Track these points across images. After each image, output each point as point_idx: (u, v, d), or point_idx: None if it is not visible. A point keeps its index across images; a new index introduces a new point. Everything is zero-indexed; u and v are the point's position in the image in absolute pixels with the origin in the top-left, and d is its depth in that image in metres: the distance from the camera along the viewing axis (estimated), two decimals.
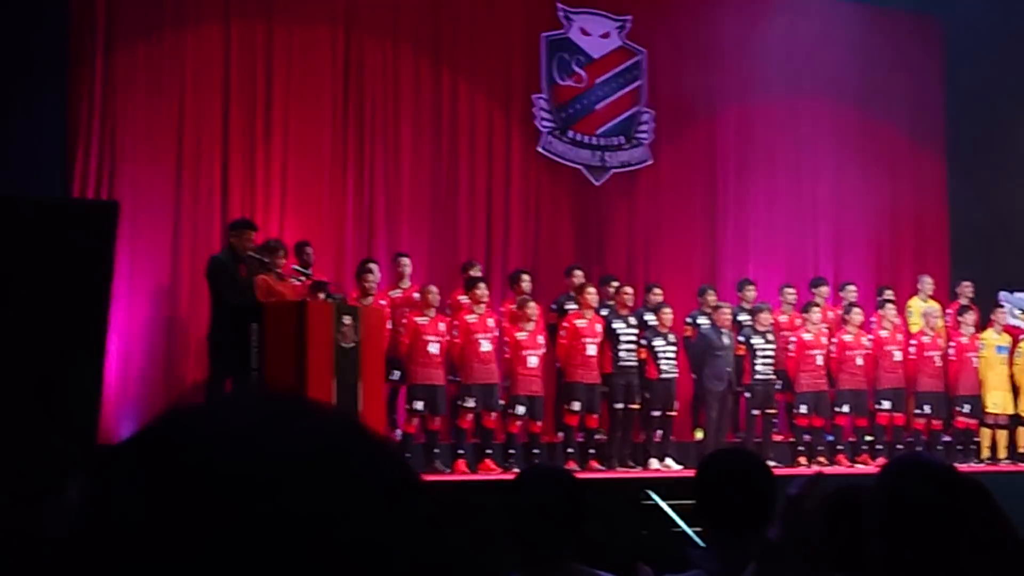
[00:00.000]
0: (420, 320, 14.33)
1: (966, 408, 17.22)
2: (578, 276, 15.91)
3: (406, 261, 15.15)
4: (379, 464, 1.11)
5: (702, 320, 16.38)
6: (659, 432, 15.73)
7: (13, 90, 13.45)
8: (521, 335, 14.86)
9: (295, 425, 1.10)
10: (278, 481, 1.05)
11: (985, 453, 17.26)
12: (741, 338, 16.29)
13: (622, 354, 15.39)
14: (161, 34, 14.80)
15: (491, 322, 14.82)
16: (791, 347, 16.60)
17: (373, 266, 14.46)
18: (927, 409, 17.05)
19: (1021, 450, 17.41)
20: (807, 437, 16.68)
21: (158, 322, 14.55)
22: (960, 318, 17.56)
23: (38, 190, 13.24)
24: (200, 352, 13.73)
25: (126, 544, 1.04)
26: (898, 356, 16.97)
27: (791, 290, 17.48)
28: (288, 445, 1.08)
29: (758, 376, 16.21)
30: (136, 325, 14.38)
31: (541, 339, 15.02)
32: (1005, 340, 17.54)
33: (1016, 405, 17.44)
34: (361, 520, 1.07)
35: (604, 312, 15.53)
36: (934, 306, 17.83)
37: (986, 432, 17.40)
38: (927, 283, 18.20)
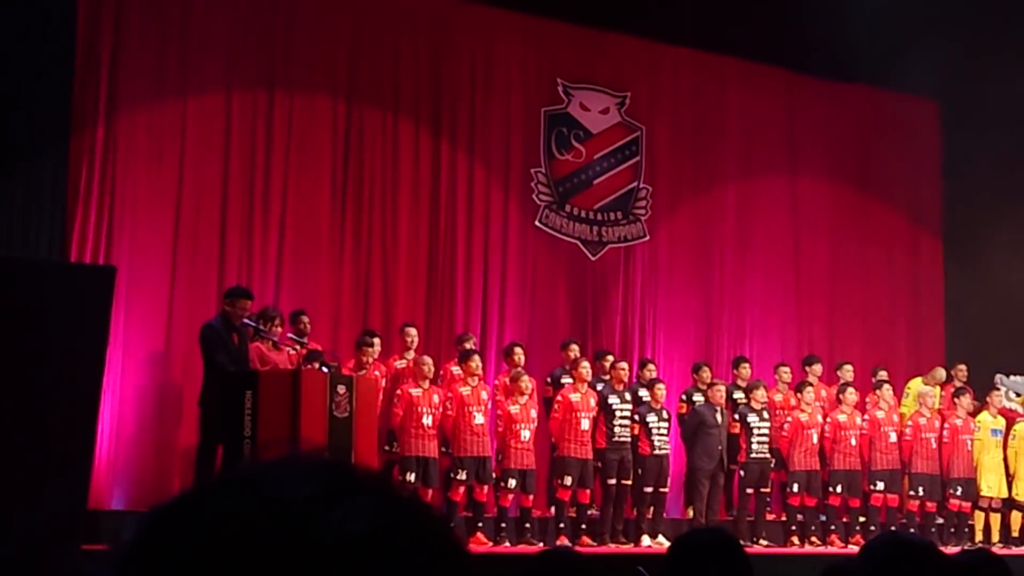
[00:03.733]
0: (414, 391, 14.31)
1: (959, 490, 17.17)
2: (573, 350, 15.93)
3: (413, 332, 15.17)
4: (432, 543, 1.10)
5: (697, 397, 16.39)
6: (651, 509, 15.67)
7: (15, 153, 13.50)
8: (514, 408, 14.82)
9: (350, 500, 1.09)
10: (329, 558, 1.04)
11: (978, 536, 17.20)
12: (736, 416, 16.29)
13: (617, 429, 15.36)
14: (163, 101, 14.85)
15: (485, 395, 14.79)
16: (786, 426, 16.60)
17: (375, 340, 14.48)
18: (921, 491, 17.01)
19: (1015, 534, 17.35)
20: (800, 517, 16.64)
21: (152, 387, 14.50)
22: (955, 400, 17.56)
23: (36, 253, 13.25)
24: (193, 418, 13.68)
25: None
26: (893, 437, 16.95)
27: (786, 368, 17.51)
28: (342, 521, 1.06)
29: (753, 455, 16.19)
30: (130, 390, 14.33)
31: (534, 413, 14.98)
32: (1000, 423, 17.53)
33: (1010, 489, 17.41)
34: None
35: (599, 387, 15.51)
36: (930, 387, 17.83)
37: (979, 515, 17.36)
38: (940, 374, 18.21)
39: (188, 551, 1.05)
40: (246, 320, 13.10)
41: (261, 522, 1.05)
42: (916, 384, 18.13)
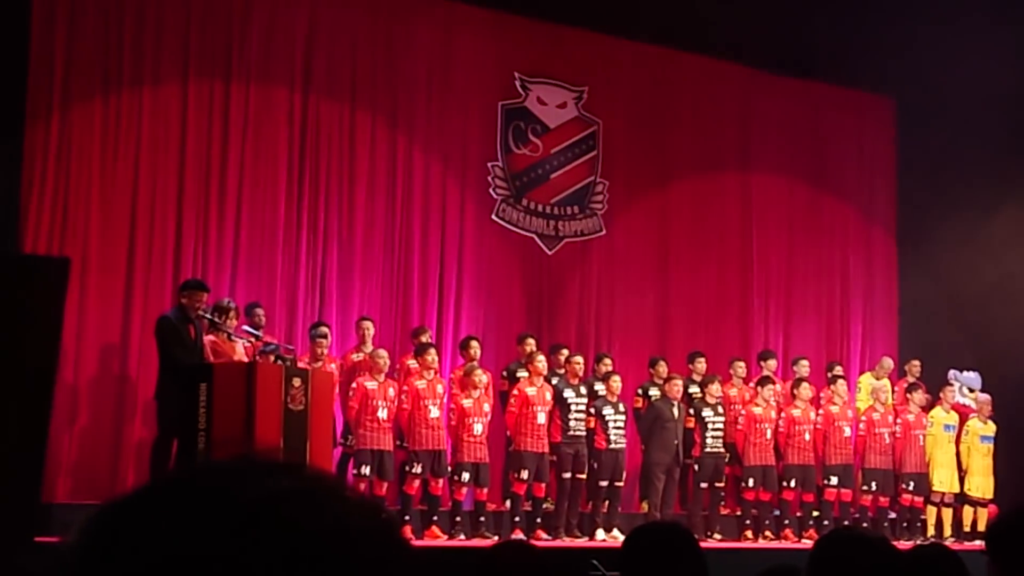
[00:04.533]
0: (369, 385, 14.29)
1: (912, 485, 17.27)
2: (530, 344, 15.93)
3: (369, 325, 15.15)
4: (382, 541, 1.12)
5: (653, 391, 16.40)
6: (606, 503, 15.70)
7: None
8: (467, 402, 14.81)
9: (303, 499, 1.12)
10: (283, 556, 1.06)
11: (931, 531, 17.31)
12: (691, 410, 16.32)
13: (572, 423, 15.37)
14: (119, 92, 14.76)
15: (440, 388, 14.78)
16: (741, 420, 16.65)
17: (325, 330, 14.47)
18: (874, 486, 17.10)
19: (966, 529, 17.46)
20: (754, 511, 16.70)
21: (106, 380, 14.43)
22: (908, 395, 17.65)
23: None
24: (148, 411, 13.62)
25: None
26: (847, 432, 17.03)
27: (741, 363, 17.55)
28: (296, 519, 1.09)
29: (707, 449, 16.23)
30: (84, 382, 14.26)
31: (487, 406, 14.97)
32: (953, 419, 17.64)
33: (962, 484, 17.52)
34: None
35: (554, 380, 15.52)
36: (884, 382, 17.94)
37: (932, 510, 17.46)
38: (887, 364, 18.34)
39: (141, 549, 1.05)
40: (201, 312, 13.05)
41: (215, 520, 1.06)
42: (867, 379, 18.23)
